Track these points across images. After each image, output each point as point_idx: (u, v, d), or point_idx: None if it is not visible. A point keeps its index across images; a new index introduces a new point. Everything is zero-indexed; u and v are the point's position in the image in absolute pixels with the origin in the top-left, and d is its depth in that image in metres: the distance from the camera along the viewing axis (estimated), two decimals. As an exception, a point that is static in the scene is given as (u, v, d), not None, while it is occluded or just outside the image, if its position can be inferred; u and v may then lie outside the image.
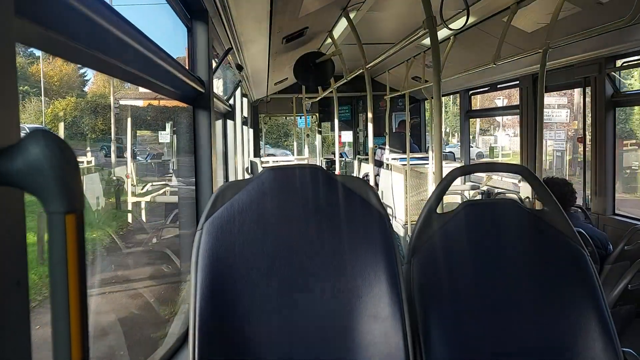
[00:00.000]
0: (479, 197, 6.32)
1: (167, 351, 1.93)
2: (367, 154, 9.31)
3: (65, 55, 0.96)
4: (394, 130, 9.53)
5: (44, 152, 0.45)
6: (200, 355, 1.41)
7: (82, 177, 0.48)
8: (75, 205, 0.46)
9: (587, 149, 4.67)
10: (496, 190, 6.11)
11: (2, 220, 0.50)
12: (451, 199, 6.09)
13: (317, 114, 11.41)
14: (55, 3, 0.73)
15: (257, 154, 10.48)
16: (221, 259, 1.49)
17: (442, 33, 3.91)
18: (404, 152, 6.95)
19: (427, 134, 9.81)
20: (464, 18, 3.16)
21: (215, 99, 2.79)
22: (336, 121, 7.36)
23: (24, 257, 0.53)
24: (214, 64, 2.95)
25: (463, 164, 7.08)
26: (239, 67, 4.18)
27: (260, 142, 11.08)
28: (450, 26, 3.09)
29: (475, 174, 7.00)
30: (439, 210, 1.77)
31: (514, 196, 5.31)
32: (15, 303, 0.52)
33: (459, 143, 7.76)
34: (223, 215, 1.53)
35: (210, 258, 1.48)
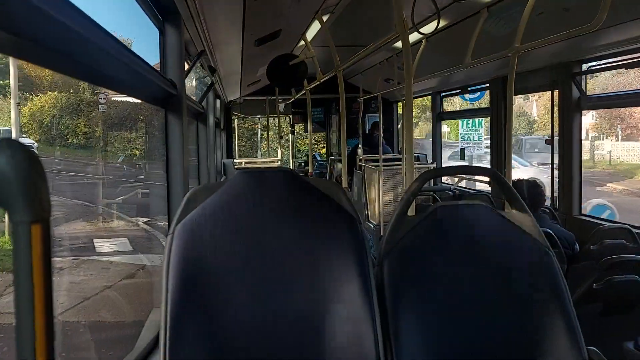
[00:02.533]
0: (449, 199, 6.41)
1: (138, 355, 1.90)
2: (339, 155, 9.35)
3: (34, 61, 0.94)
4: (366, 132, 9.58)
5: (10, 161, 0.44)
6: (172, 358, 1.40)
7: (48, 187, 0.47)
8: (42, 215, 0.45)
9: (554, 150, 4.77)
10: (468, 192, 6.20)
11: None
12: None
13: (291, 116, 11.40)
14: (23, 10, 0.72)
15: (230, 155, 10.42)
16: (193, 262, 1.48)
17: (414, 36, 3.95)
18: (377, 153, 6.99)
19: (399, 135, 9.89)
20: (435, 22, 3.21)
21: (187, 101, 2.77)
22: (309, 123, 7.36)
23: None
24: (187, 66, 2.93)
25: (435, 166, 7.16)
26: (212, 70, 4.15)
27: (233, 143, 11.02)
28: (421, 30, 3.13)
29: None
30: (410, 212, 1.79)
31: (485, 197, 5.39)
32: None
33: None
34: (194, 219, 1.52)
35: (181, 262, 1.47)
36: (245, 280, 1.50)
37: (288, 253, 1.54)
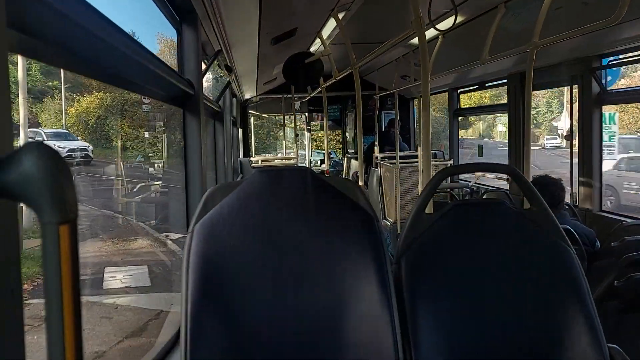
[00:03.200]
0: (467, 195, 6.37)
1: (159, 353, 1.93)
2: (356, 153, 9.34)
3: (54, 63, 0.96)
4: (383, 129, 9.56)
5: (38, 163, 0.46)
6: (193, 356, 1.42)
7: (75, 188, 0.48)
8: (69, 215, 0.46)
9: (574, 146, 4.72)
10: (485, 189, 6.15)
11: None
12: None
13: (307, 114, 11.42)
14: (44, 12, 0.73)
15: (246, 153, 10.47)
16: (212, 261, 1.50)
17: (431, 32, 3.92)
18: (393, 151, 6.97)
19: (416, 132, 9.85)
20: (452, 18, 3.18)
21: (204, 101, 2.79)
22: (325, 120, 7.36)
23: (17, 266, 0.54)
24: (204, 66, 2.95)
25: (452, 163, 7.12)
26: (229, 69, 4.17)
27: (250, 142, 11.08)
28: (438, 26, 3.11)
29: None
30: (428, 210, 1.78)
31: (503, 194, 5.35)
32: (9, 311, 0.52)
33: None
34: (213, 218, 1.54)
35: (200, 261, 1.49)
36: (263, 278, 1.51)
37: (306, 251, 1.54)
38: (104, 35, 1.01)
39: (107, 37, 1.03)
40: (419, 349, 1.57)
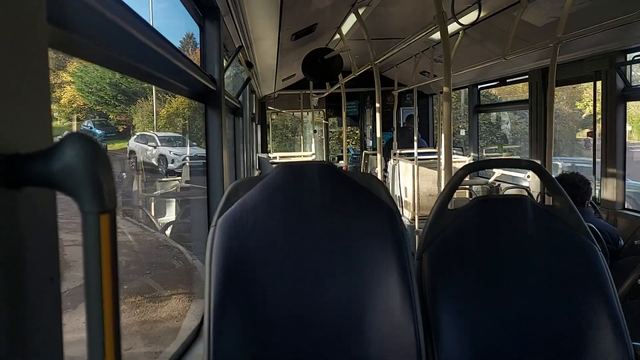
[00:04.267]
0: (486, 193, 6.31)
1: (181, 345, 1.95)
2: (374, 149, 9.30)
3: (85, 57, 0.98)
4: (401, 125, 9.52)
5: (79, 154, 0.47)
6: (215, 348, 1.44)
7: (114, 178, 0.49)
8: (109, 205, 0.47)
9: (597, 143, 4.65)
10: (505, 185, 6.10)
11: (37, 219, 0.52)
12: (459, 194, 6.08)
13: (325, 110, 11.42)
14: (80, 8, 0.75)
15: (264, 150, 10.51)
16: (235, 254, 1.51)
17: (452, 27, 3.89)
18: (412, 147, 6.94)
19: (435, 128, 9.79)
20: (475, 12, 3.15)
21: (225, 97, 2.80)
22: (344, 116, 7.36)
23: (56, 254, 0.55)
24: (225, 62, 2.97)
25: (471, 159, 7.06)
26: (249, 65, 4.19)
27: (268, 138, 11.12)
28: (460, 21, 3.08)
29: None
30: (450, 206, 1.78)
31: (524, 191, 5.30)
32: (48, 298, 0.54)
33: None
34: (236, 212, 1.55)
35: (224, 254, 1.50)
36: (285, 272, 1.52)
37: (328, 245, 1.55)
38: (135, 31, 1.02)
39: (137, 33, 1.05)
40: (441, 344, 1.57)
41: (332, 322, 1.50)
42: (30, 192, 0.50)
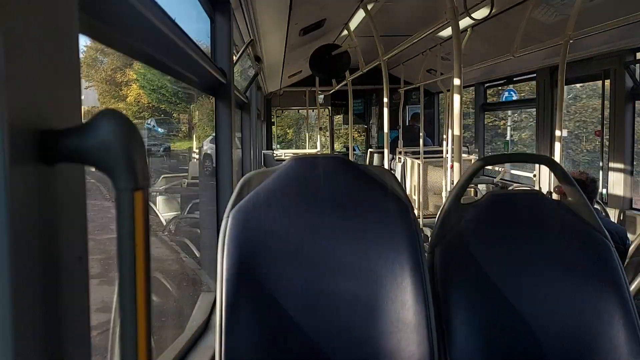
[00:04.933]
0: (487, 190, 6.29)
1: (190, 338, 1.95)
2: (379, 147, 9.29)
3: (108, 43, 0.98)
4: (407, 124, 9.50)
5: (114, 130, 0.47)
6: (228, 339, 1.44)
7: (146, 156, 0.49)
8: (142, 182, 0.47)
9: (605, 142, 4.63)
10: (513, 185, 6.08)
11: (69, 196, 0.52)
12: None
13: (330, 107, 11.41)
14: None
15: (269, 146, 10.51)
16: (247, 246, 1.51)
17: (461, 24, 3.88)
18: (417, 145, 6.93)
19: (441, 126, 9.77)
20: (487, 8, 3.13)
21: (234, 91, 2.80)
22: (350, 114, 7.34)
23: (84, 233, 0.55)
24: (235, 56, 2.97)
25: (477, 157, 7.04)
26: (258, 59, 4.19)
27: (272, 135, 11.13)
28: (473, 15, 3.07)
29: (487, 167, 6.96)
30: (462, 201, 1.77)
31: (531, 189, 5.28)
32: (76, 277, 0.54)
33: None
34: (249, 204, 1.55)
35: (236, 245, 1.50)
36: (298, 264, 1.51)
37: (341, 237, 1.54)
38: (154, 19, 1.03)
39: (157, 21, 1.05)
40: (454, 337, 1.56)
41: (345, 315, 1.50)
42: (64, 169, 0.50)
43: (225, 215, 1.54)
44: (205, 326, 2.03)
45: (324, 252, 1.53)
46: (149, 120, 9.01)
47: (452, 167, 2.95)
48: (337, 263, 1.52)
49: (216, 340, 1.46)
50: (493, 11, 3.10)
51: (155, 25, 1.05)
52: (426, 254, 1.69)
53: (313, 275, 1.51)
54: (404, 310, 1.49)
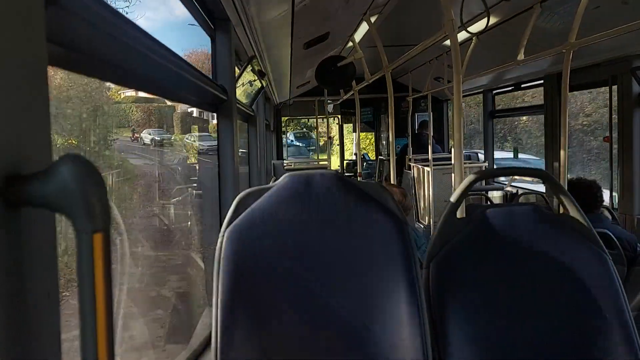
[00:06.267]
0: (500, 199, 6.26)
1: (192, 354, 1.97)
2: (389, 155, 9.28)
3: (95, 75, 1.00)
4: (416, 131, 9.49)
5: (74, 174, 0.48)
6: (224, 358, 1.45)
7: (107, 198, 0.51)
8: (103, 224, 0.49)
9: (613, 148, 4.59)
10: (521, 191, 6.04)
11: (36, 238, 0.54)
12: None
13: (339, 116, 11.43)
14: (82, 26, 0.77)
15: (279, 156, 10.55)
16: (243, 264, 1.52)
17: (463, 34, 3.89)
18: (425, 153, 6.92)
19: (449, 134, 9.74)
20: (484, 20, 3.14)
21: (238, 105, 2.83)
22: (358, 123, 7.36)
23: (54, 270, 0.57)
24: (237, 71, 3.00)
25: (487, 165, 7.01)
26: (262, 74, 4.22)
27: (283, 145, 11.17)
28: (470, 29, 3.08)
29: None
30: (460, 214, 1.77)
31: (539, 197, 5.24)
32: (46, 312, 0.55)
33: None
34: (244, 222, 1.56)
35: (232, 264, 1.51)
36: (293, 282, 1.52)
37: (334, 255, 1.55)
38: (141, 47, 1.05)
39: (144, 48, 1.07)
40: (449, 354, 1.56)
41: (339, 331, 1.50)
42: (30, 212, 0.52)
43: (221, 234, 1.56)
44: (207, 342, 2.04)
45: (319, 270, 1.53)
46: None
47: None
48: (331, 280, 1.53)
49: (212, 358, 1.47)
50: (492, 23, 3.10)
51: (143, 52, 1.07)
52: (423, 269, 1.69)
53: (307, 293, 1.52)
54: (399, 327, 1.50)
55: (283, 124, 11.49)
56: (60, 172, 0.48)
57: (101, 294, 0.49)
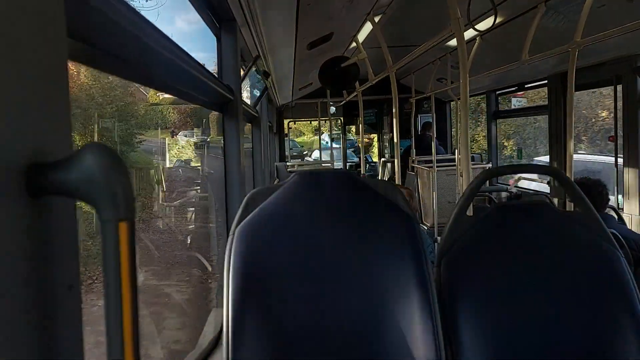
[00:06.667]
0: (506, 199, 6.25)
1: (201, 353, 1.96)
2: (392, 157, 9.27)
3: (104, 69, 1.00)
4: (419, 132, 9.47)
5: (98, 163, 0.48)
6: (234, 357, 1.44)
7: (133, 187, 0.50)
8: (127, 213, 0.48)
9: (618, 148, 4.58)
10: (524, 192, 6.03)
11: (57, 228, 0.53)
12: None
13: (342, 118, 11.43)
14: (98, 21, 0.76)
15: (282, 158, 10.54)
16: (252, 263, 1.51)
17: (468, 33, 3.88)
18: (429, 154, 6.91)
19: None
20: (491, 18, 3.13)
21: (242, 106, 2.83)
22: (361, 124, 7.35)
23: (76, 262, 0.56)
24: (242, 72, 3.00)
25: (490, 166, 7.00)
26: (266, 74, 4.22)
27: (286, 147, 11.16)
28: (477, 27, 3.07)
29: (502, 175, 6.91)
30: (468, 213, 1.76)
31: (544, 197, 5.23)
32: (67, 306, 0.55)
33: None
34: (254, 221, 1.55)
35: (241, 263, 1.50)
36: (303, 280, 1.51)
37: (345, 253, 1.54)
38: (155, 44, 1.04)
39: (157, 46, 1.07)
40: (461, 352, 1.55)
41: (351, 330, 1.49)
42: (51, 201, 0.51)
43: (231, 232, 1.55)
44: (216, 343, 2.03)
45: (330, 268, 1.53)
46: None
47: (462, 175, 2.93)
48: (342, 278, 1.52)
49: (223, 357, 1.46)
50: (498, 21, 3.09)
51: (155, 49, 1.07)
52: (434, 267, 1.68)
53: (318, 292, 1.51)
54: (411, 325, 1.49)
55: (286, 127, 11.48)
56: (85, 160, 0.48)
57: (127, 283, 0.48)
